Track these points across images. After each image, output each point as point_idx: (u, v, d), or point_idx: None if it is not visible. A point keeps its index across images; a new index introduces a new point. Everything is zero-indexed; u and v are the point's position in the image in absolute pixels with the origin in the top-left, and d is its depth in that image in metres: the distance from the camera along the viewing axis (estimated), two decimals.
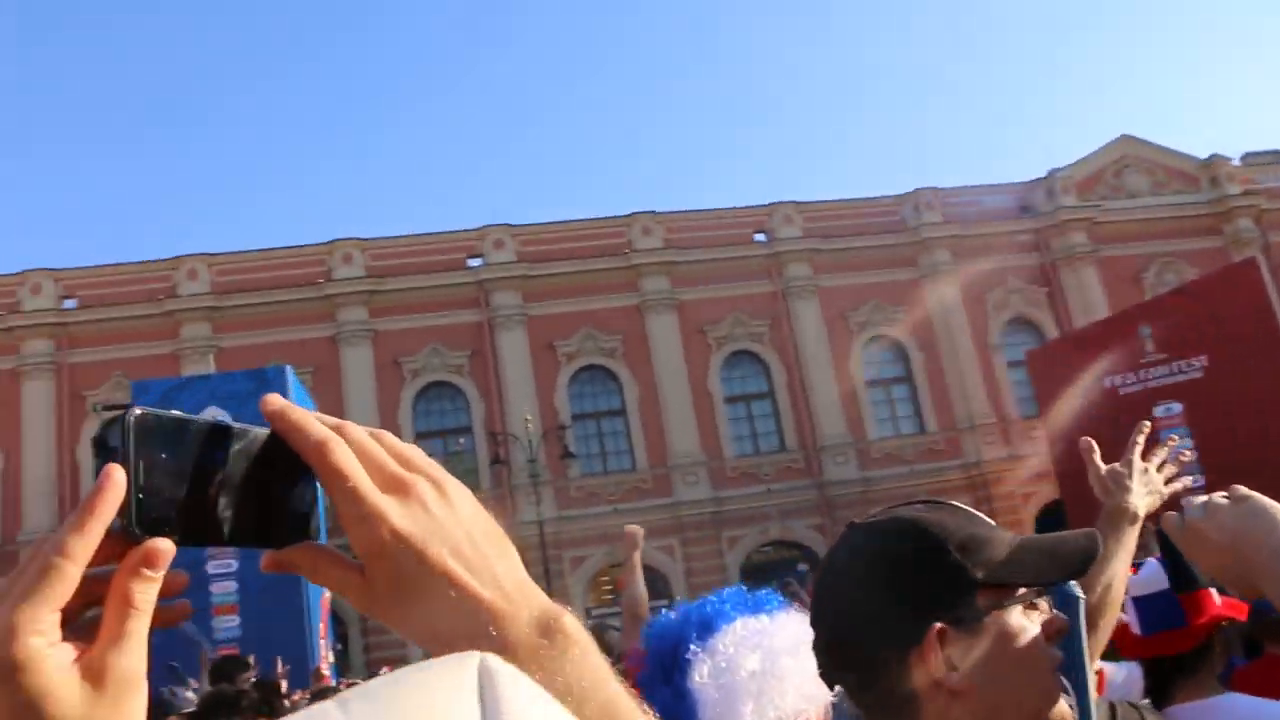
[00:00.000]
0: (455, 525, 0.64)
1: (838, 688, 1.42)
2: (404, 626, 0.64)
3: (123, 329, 28.24)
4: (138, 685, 0.61)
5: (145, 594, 0.60)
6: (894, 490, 28.25)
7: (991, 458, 29.27)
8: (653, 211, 30.47)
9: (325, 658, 20.81)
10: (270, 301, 28.70)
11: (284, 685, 9.12)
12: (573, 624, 0.65)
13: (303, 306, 28.83)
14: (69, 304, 28.45)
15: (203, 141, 74.60)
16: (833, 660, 1.27)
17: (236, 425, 0.64)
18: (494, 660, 0.52)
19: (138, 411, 0.61)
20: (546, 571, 26.31)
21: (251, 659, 9.19)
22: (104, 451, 25.03)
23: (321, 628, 21.09)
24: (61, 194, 75.09)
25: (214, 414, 20.91)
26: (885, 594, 1.20)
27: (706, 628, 1.90)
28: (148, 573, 0.60)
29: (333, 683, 16.33)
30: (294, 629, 17.97)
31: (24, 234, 69.38)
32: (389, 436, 0.66)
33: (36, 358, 27.97)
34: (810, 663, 1.67)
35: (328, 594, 22.01)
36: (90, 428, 26.97)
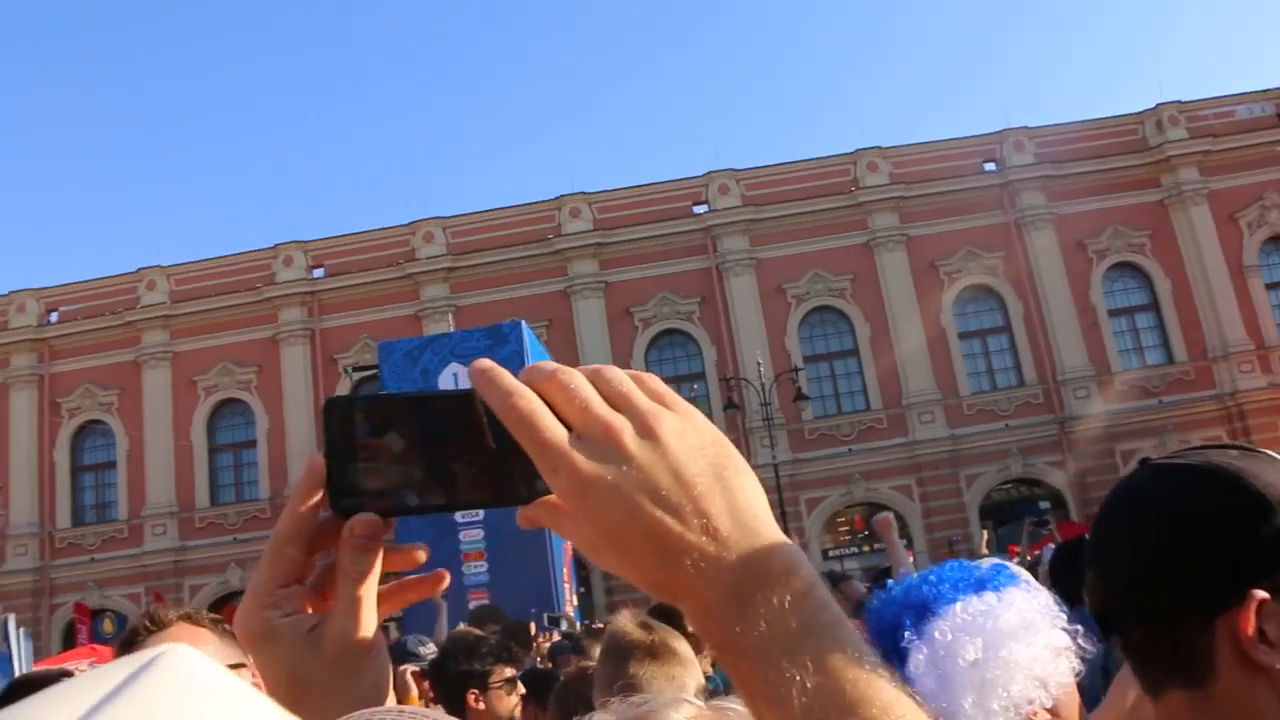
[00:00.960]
0: (657, 465, 0.62)
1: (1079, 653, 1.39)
2: (622, 573, 0.64)
3: (367, 294, 29.76)
4: (365, 646, 0.69)
5: (356, 564, 0.68)
6: (1141, 425, 27.87)
7: (1248, 388, 28.46)
8: (879, 147, 30.22)
9: (570, 601, 21.97)
10: (503, 259, 29.75)
11: (533, 627, 9.65)
12: (792, 566, 0.62)
13: (535, 262, 29.80)
14: (317, 273, 30.11)
15: (433, 107, 77.47)
16: (1114, 608, 1.17)
17: (440, 391, 0.68)
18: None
19: (339, 396, 0.67)
20: (783, 514, 26.92)
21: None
22: (328, 412, 26.76)
23: (565, 572, 22.21)
24: (305, 167, 78.98)
25: (455, 370, 22.05)
26: (1196, 549, 1.09)
27: (923, 611, 1.78)
28: (356, 545, 0.68)
29: (578, 626, 17.25)
30: (539, 574, 19.05)
31: (274, 210, 73.75)
32: (610, 375, 0.65)
33: (291, 325, 29.78)
34: (1042, 644, 1.69)
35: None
36: (343, 388, 28.64)
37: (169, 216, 72.49)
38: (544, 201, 30.39)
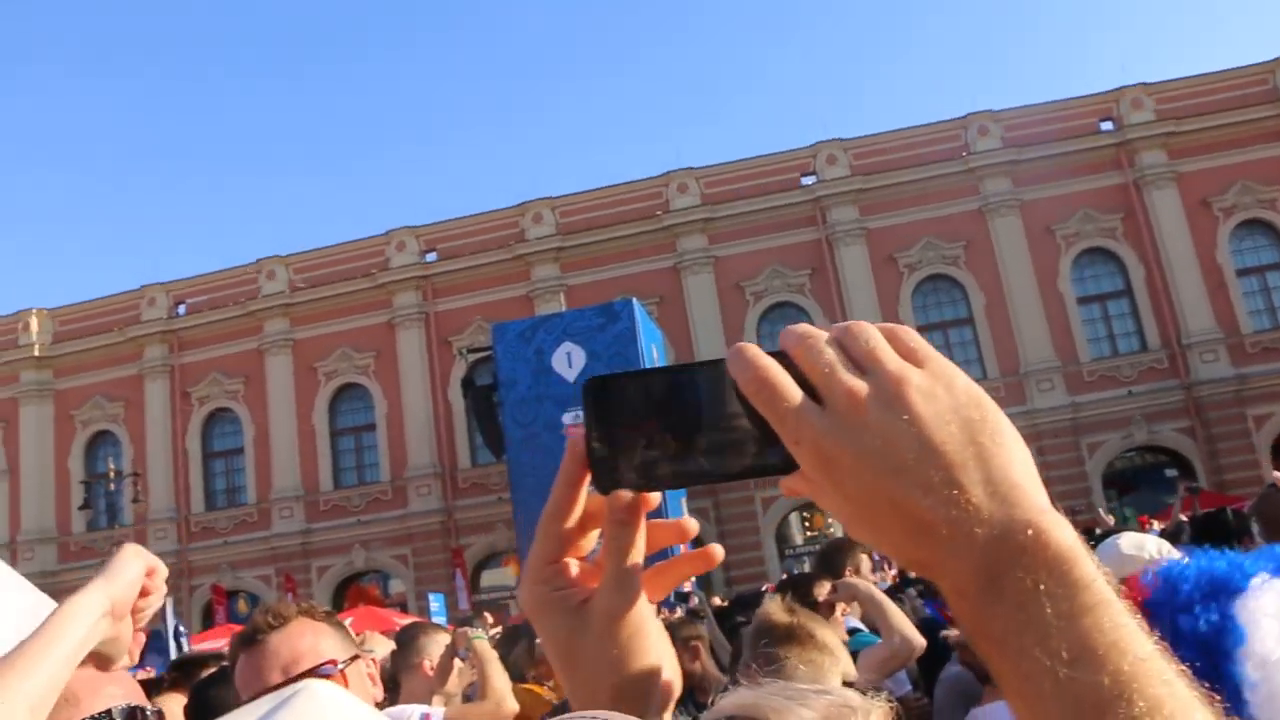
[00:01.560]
0: (902, 434, 0.58)
1: None
2: (879, 547, 0.62)
3: (479, 276, 30.49)
4: (630, 621, 0.70)
5: (617, 539, 0.69)
6: (1275, 388, 27.26)
7: None
8: (990, 110, 29.90)
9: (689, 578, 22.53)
10: (612, 237, 30.19)
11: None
12: (1047, 542, 0.56)
13: (644, 240, 30.20)
14: (430, 257, 30.94)
15: (541, 89, 79.00)
16: None
17: (693, 363, 0.67)
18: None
19: (594, 378, 0.67)
20: None
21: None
22: (471, 391, 27.36)
23: (682, 548, 22.78)
24: (415, 152, 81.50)
25: (569, 349, 22.45)
26: None
27: (1217, 592, 1.54)
28: (617, 521, 0.69)
29: (696, 598, 17.56)
30: (658, 551, 19.58)
31: (386, 198, 76.39)
32: (858, 334, 0.62)
33: (406, 309, 30.67)
34: None
35: (685, 512, 23.64)
36: (458, 370, 29.41)
37: (286, 208, 75.30)
38: (651, 178, 30.75)
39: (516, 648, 6.48)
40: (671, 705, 0.73)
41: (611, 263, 30.04)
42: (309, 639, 1.76)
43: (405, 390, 30.42)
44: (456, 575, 28.24)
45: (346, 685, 1.68)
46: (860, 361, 0.61)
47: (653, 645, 0.71)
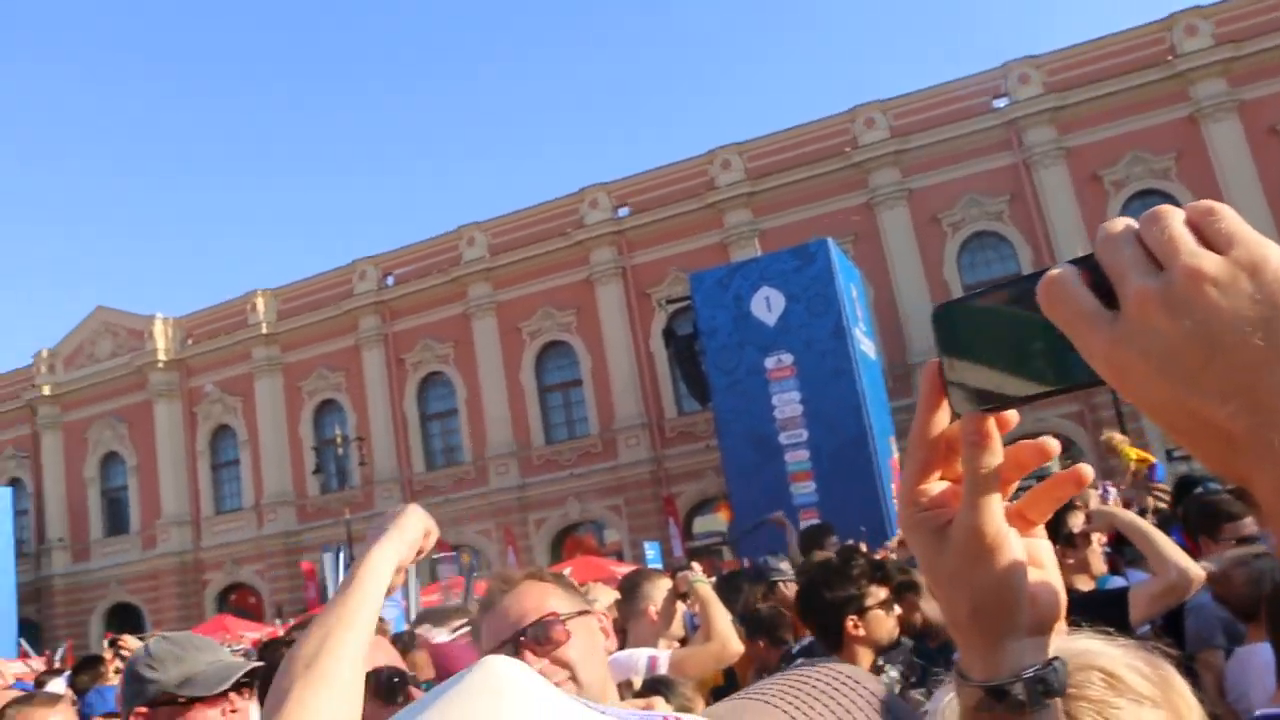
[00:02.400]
0: (1191, 338, 0.55)
1: None
2: (1198, 460, 0.59)
3: (672, 227, 31.29)
4: (988, 542, 0.71)
5: (971, 461, 0.71)
6: None
7: None
8: (1198, 6, 28.62)
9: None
10: (802, 179, 30.47)
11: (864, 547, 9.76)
12: None
13: (834, 178, 30.33)
14: (622, 212, 31.93)
15: (719, 30, 79.79)
16: None
17: (1024, 276, 0.65)
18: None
19: (941, 304, 0.70)
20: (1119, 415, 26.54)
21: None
22: (672, 341, 28.20)
23: (893, 488, 22.73)
24: (605, 105, 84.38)
25: (767, 293, 22.77)
26: None
27: None
28: (969, 442, 0.70)
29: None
30: (867, 492, 19.63)
31: (576, 154, 79.54)
32: (1159, 221, 0.58)
33: (603, 265, 31.81)
34: None
35: (897, 455, 23.68)
36: (658, 321, 30.36)
37: (482, 176, 78.92)
38: (838, 115, 30.82)
39: (741, 594, 6.51)
40: (1053, 628, 0.74)
41: (803, 204, 30.34)
42: (535, 598, 1.88)
43: (608, 344, 31.59)
44: (669, 523, 29.35)
45: (569, 637, 1.82)
46: (1158, 255, 0.57)
47: (1013, 566, 0.72)
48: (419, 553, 1.66)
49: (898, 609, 3.76)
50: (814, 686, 1.09)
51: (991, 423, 0.71)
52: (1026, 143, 29.20)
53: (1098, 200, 28.59)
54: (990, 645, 0.73)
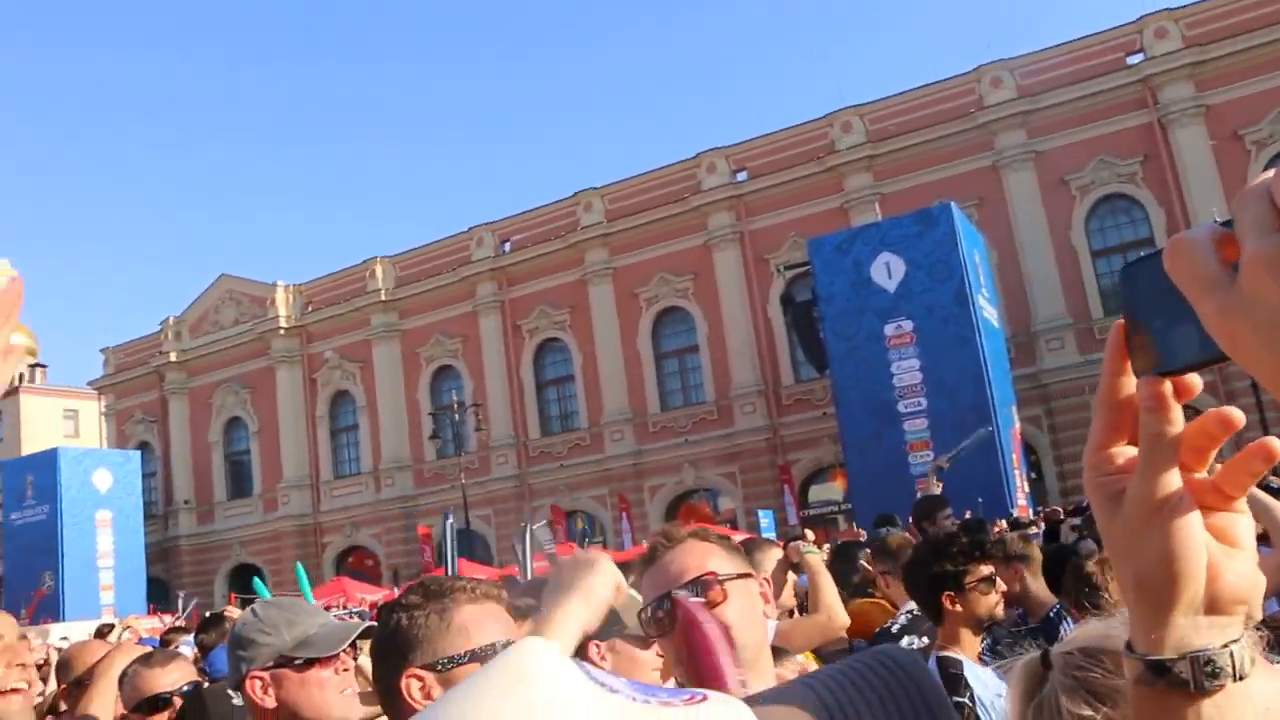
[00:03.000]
0: None
1: None
2: None
3: (791, 191, 31.27)
4: (1159, 508, 0.68)
5: (1146, 426, 0.68)
6: None
7: None
8: None
9: (1021, 488, 22.13)
10: (925, 141, 30.15)
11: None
12: None
13: (958, 140, 29.95)
14: (740, 176, 32.02)
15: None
16: None
17: None
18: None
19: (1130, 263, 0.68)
20: (1254, 384, 25.77)
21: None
22: (790, 307, 28.22)
23: (1015, 458, 22.40)
24: (720, 70, 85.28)
25: (887, 259, 22.51)
26: None
27: None
28: (1145, 407, 0.68)
29: (1030, 513, 17.28)
30: (988, 463, 19.33)
31: (693, 118, 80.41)
32: None
33: (721, 230, 31.95)
34: None
35: (1018, 425, 23.35)
36: (776, 287, 30.43)
37: (598, 143, 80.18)
38: (961, 75, 30.41)
39: (854, 564, 6.54)
40: (1238, 609, 0.70)
41: (925, 167, 30.04)
42: (696, 556, 1.89)
43: (725, 310, 31.74)
44: (784, 491, 29.48)
45: (726, 598, 1.82)
46: None
47: (1184, 539, 0.68)
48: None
49: (1001, 585, 3.79)
50: (853, 676, 1.12)
51: (1168, 388, 0.68)
52: (1162, 100, 28.46)
53: (1238, 161, 27.75)
54: (1155, 618, 0.70)
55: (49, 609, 30.11)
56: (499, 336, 34.87)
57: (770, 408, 31.22)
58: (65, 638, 20.87)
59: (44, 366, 62.23)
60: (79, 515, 32.72)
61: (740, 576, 1.89)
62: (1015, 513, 16.12)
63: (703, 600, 1.78)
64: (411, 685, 1.74)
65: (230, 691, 2.72)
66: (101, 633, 12.74)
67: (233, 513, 40.28)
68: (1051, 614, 4.58)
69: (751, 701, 0.90)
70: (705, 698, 0.68)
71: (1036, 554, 5.08)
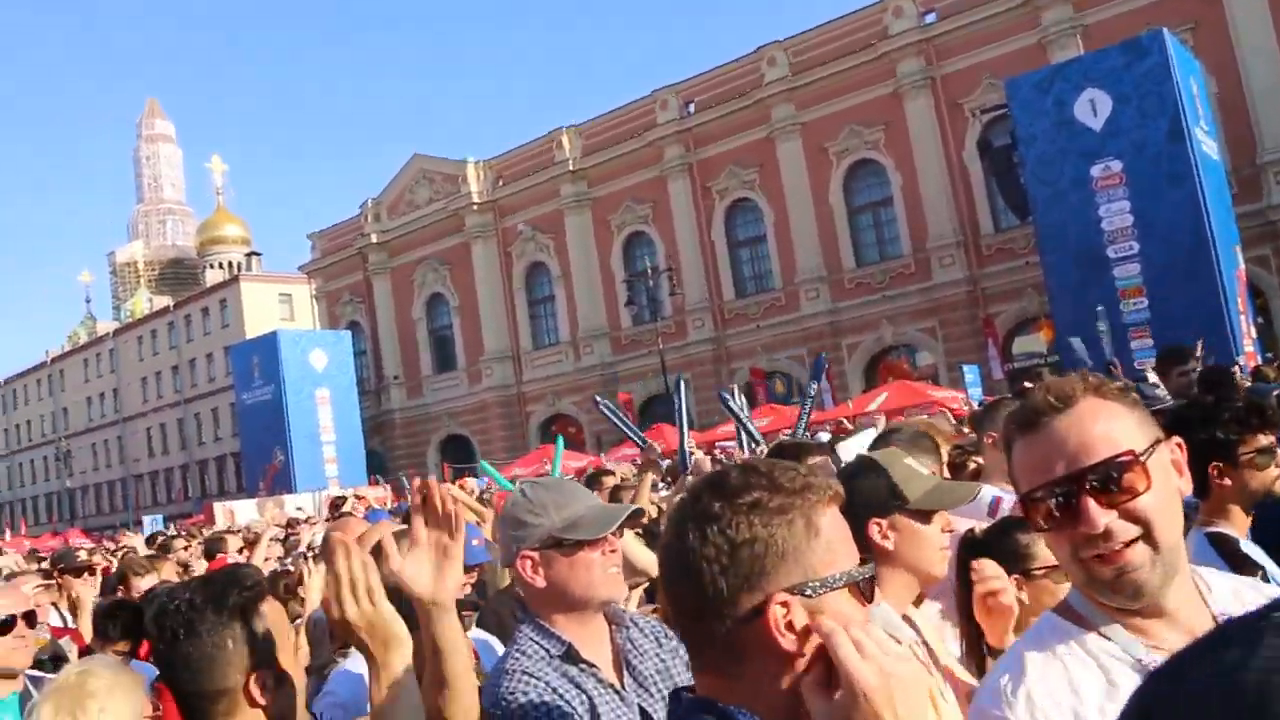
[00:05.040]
0: None
1: None
2: None
3: (984, 30, 30.82)
4: None
5: None
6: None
7: None
8: None
9: (1248, 334, 21.69)
10: None
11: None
12: None
13: None
14: (930, 18, 31.76)
15: None
16: None
17: None
18: None
19: None
20: None
21: (1199, 346, 8.78)
22: (988, 153, 28.08)
23: (1240, 302, 21.89)
24: None
25: (1092, 95, 22.12)
26: None
27: None
28: None
29: (1258, 359, 16.86)
30: (1209, 305, 18.97)
31: None
32: None
33: (910, 76, 31.92)
34: None
35: (1243, 265, 22.83)
36: (973, 133, 30.37)
37: None
38: None
39: None
40: None
41: None
42: (1103, 424, 1.45)
43: (919, 160, 31.92)
44: (988, 345, 29.85)
45: (1150, 484, 1.41)
46: None
47: None
48: None
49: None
50: None
51: None
52: None
53: None
54: None
55: (282, 482, 33.77)
56: (688, 199, 36.10)
57: (970, 259, 31.47)
58: (300, 508, 23.75)
59: (258, 255, 67.43)
60: (301, 393, 35.83)
61: (1155, 445, 1.46)
62: (1241, 360, 16.11)
63: (1117, 492, 1.40)
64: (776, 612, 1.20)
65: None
66: (335, 504, 14.75)
67: (440, 386, 43.47)
68: None
69: None
70: None
71: None
